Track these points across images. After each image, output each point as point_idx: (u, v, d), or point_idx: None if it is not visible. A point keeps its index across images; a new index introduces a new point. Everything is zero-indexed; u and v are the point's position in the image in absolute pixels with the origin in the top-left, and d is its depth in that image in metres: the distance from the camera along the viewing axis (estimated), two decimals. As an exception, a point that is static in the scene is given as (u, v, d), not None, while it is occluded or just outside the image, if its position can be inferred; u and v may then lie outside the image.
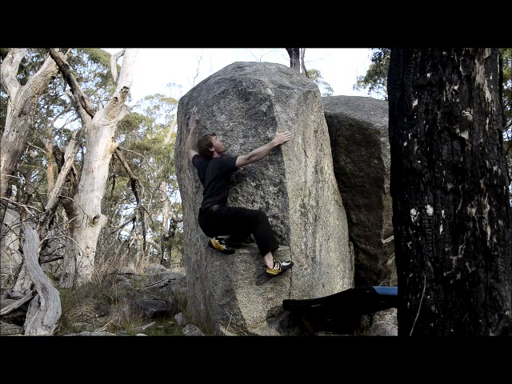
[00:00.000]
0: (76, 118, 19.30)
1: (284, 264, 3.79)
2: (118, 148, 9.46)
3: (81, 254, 7.57)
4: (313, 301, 3.86)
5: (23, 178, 17.04)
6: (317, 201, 4.36)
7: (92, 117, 8.92)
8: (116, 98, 8.89)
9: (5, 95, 11.52)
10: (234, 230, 3.96)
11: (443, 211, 1.83)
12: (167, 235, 18.31)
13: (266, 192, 4.00)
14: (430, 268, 1.82)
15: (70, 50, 11.57)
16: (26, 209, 7.04)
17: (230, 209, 3.92)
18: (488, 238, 1.80)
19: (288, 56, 12.85)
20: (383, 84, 17.49)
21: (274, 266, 3.75)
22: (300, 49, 12.74)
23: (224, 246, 3.85)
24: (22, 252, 5.48)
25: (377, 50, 12.82)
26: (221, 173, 3.90)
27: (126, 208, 22.64)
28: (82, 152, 13.35)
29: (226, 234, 3.96)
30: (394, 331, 3.97)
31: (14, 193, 14.65)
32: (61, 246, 9.60)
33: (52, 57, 8.88)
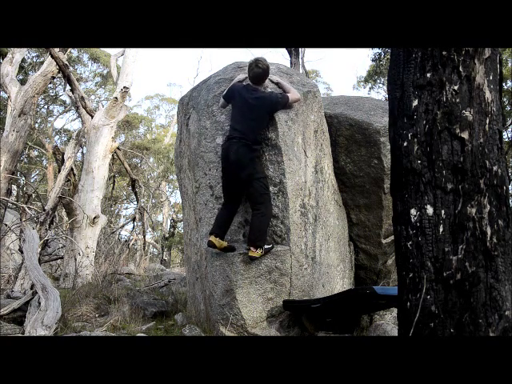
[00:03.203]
0: (76, 118, 19.31)
1: (266, 246, 3.85)
2: (118, 148, 9.45)
3: (81, 253, 7.56)
4: (313, 301, 3.86)
5: (23, 178, 17.03)
6: (317, 201, 4.36)
7: (92, 117, 8.92)
8: (116, 98, 8.89)
9: (5, 95, 11.51)
10: (241, 185, 3.81)
11: (443, 211, 1.83)
12: (167, 235, 18.31)
13: (266, 192, 3.99)
14: (430, 268, 1.82)
15: (69, 50, 11.56)
16: (26, 209, 7.02)
17: (260, 172, 3.87)
18: (488, 238, 1.80)
19: (288, 56, 12.82)
20: (383, 84, 17.49)
21: (257, 249, 3.76)
22: (300, 49, 12.72)
23: (225, 243, 3.82)
24: (22, 252, 5.47)
25: (377, 50, 12.82)
26: (272, 110, 3.89)
27: (126, 208, 22.66)
28: (82, 152, 13.34)
29: (235, 185, 3.83)
30: (394, 331, 3.98)
31: (14, 193, 14.63)
32: (61, 246, 9.60)
33: (52, 57, 8.88)
